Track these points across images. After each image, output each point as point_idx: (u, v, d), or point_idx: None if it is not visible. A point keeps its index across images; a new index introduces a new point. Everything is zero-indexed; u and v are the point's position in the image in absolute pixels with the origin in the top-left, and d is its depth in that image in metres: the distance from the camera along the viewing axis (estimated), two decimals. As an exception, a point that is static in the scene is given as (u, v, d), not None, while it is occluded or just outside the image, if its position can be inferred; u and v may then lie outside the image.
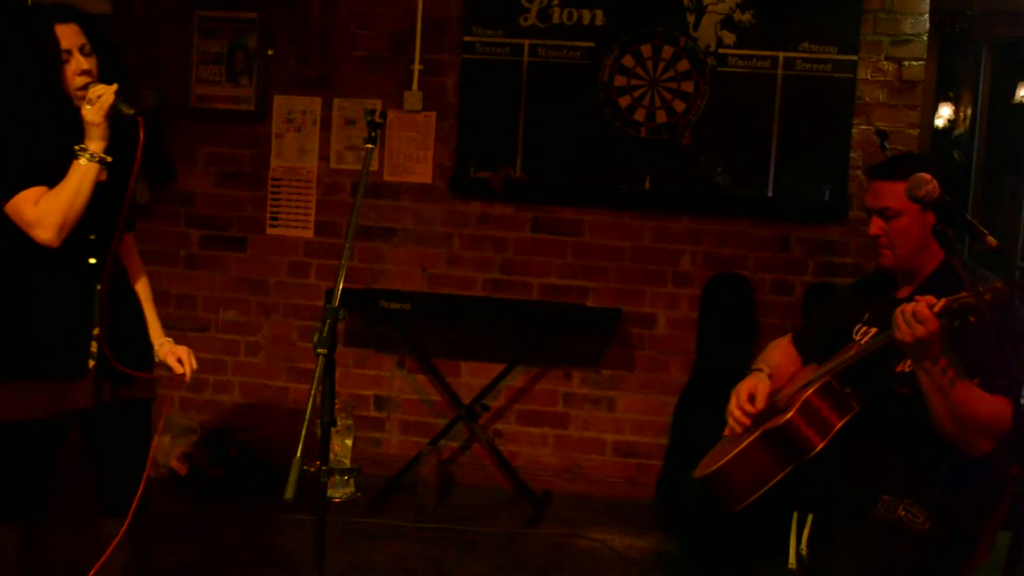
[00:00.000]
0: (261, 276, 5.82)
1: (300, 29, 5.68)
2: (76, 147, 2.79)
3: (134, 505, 2.97)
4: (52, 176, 2.80)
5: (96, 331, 2.90)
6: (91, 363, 2.90)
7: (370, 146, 2.84)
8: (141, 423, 3.14)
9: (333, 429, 2.71)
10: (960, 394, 2.73)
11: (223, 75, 5.68)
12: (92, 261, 2.91)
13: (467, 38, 5.56)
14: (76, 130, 2.82)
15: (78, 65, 2.85)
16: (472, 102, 5.58)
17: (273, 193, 5.77)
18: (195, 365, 3.16)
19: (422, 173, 5.64)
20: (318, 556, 2.79)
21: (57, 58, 2.83)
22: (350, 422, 5.46)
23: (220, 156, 5.76)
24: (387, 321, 5.51)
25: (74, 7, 2.93)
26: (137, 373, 3.00)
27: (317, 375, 2.48)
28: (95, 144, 2.80)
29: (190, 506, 5.07)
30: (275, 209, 5.77)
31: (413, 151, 5.64)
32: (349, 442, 5.43)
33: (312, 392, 2.46)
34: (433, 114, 5.61)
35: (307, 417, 2.41)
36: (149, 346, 3.16)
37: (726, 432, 3.20)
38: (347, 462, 5.37)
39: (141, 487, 2.99)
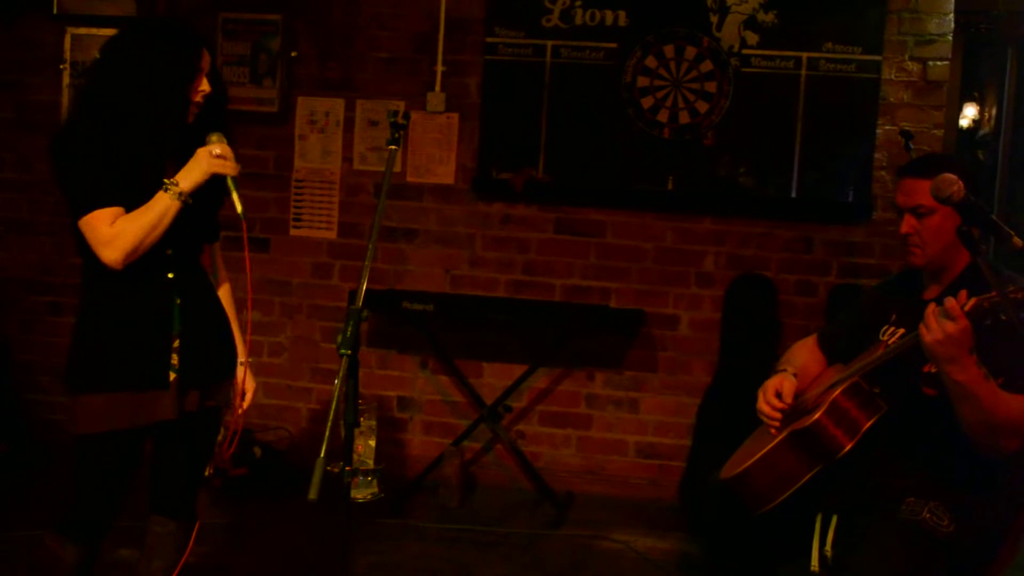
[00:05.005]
0: (284, 277, 5.84)
1: (323, 31, 5.70)
2: (166, 180, 2.81)
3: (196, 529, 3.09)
4: (132, 199, 2.82)
5: (176, 344, 2.93)
6: (172, 375, 2.93)
7: (393, 147, 2.84)
8: (209, 429, 3.19)
9: (356, 430, 2.71)
10: (992, 398, 2.71)
11: (247, 77, 5.70)
12: (170, 275, 2.94)
13: (490, 39, 5.56)
14: (178, 149, 2.87)
15: (200, 84, 2.92)
16: (495, 103, 5.58)
17: (296, 194, 5.79)
18: (248, 402, 3.26)
19: (445, 174, 5.65)
20: (342, 556, 2.79)
21: (196, 71, 2.90)
22: (373, 423, 5.47)
23: (243, 157, 5.66)
24: (410, 322, 5.52)
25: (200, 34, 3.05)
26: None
27: (340, 376, 2.48)
28: (187, 183, 2.82)
29: (213, 506, 5.09)
30: (298, 210, 5.79)
31: (436, 152, 5.64)
32: (372, 443, 5.44)
33: (335, 393, 2.46)
34: (456, 115, 5.62)
35: (330, 418, 2.41)
36: (233, 356, 3.20)
37: (772, 431, 3.17)
38: (370, 463, 5.38)
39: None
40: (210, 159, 2.84)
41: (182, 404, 2.97)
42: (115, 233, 2.78)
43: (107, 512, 3.01)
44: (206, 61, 2.93)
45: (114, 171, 2.81)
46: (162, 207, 2.80)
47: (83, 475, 2.97)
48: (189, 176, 2.83)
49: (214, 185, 2.97)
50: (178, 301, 2.94)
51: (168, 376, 2.92)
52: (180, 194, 2.81)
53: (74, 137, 2.85)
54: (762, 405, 3.19)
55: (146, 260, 2.85)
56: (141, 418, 2.90)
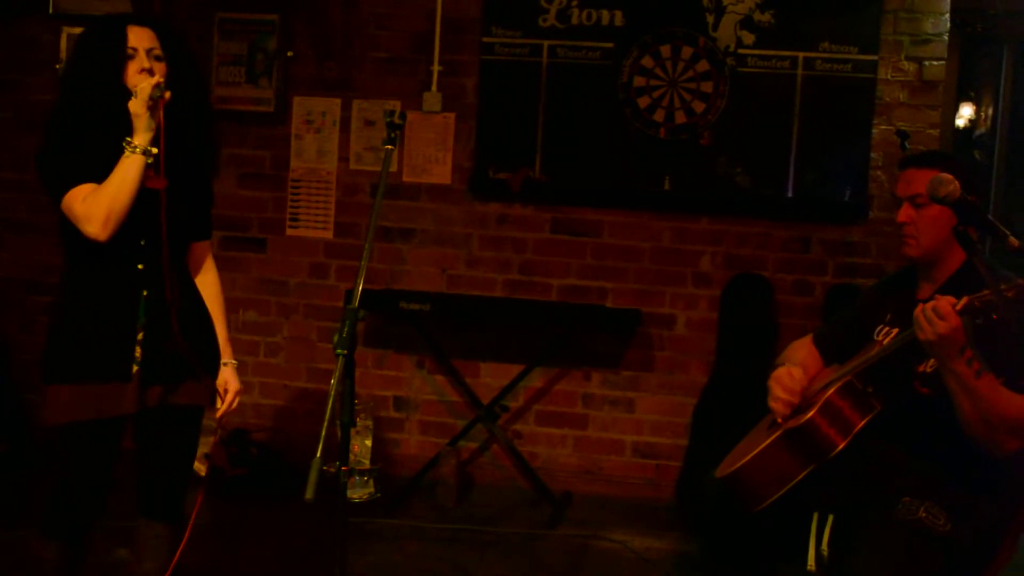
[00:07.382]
0: (281, 277, 5.83)
1: (320, 30, 5.70)
2: (125, 140, 2.82)
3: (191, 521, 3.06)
4: (102, 173, 2.83)
5: (140, 336, 2.92)
6: (135, 368, 2.91)
7: (389, 147, 2.83)
8: (187, 430, 3.14)
9: (353, 430, 2.71)
10: (990, 395, 2.72)
11: (243, 76, 5.70)
12: (140, 267, 2.93)
13: (486, 39, 5.56)
14: (129, 127, 2.85)
15: (140, 64, 2.90)
16: (491, 103, 5.58)
17: (293, 194, 5.79)
18: (233, 406, 3.21)
19: (441, 174, 5.65)
20: (339, 556, 2.79)
21: (122, 53, 2.89)
22: (369, 423, 5.47)
23: (240, 158, 5.77)
24: (406, 322, 5.52)
25: (154, 15, 3.03)
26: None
27: (337, 376, 2.49)
28: (140, 136, 2.81)
29: (210, 506, 5.08)
30: (295, 210, 5.79)
31: (432, 152, 5.64)
32: (369, 443, 5.44)
33: (332, 393, 2.46)
34: (452, 115, 5.62)
35: (327, 417, 2.41)
36: (213, 355, 3.16)
37: (778, 419, 3.15)
38: (367, 463, 5.38)
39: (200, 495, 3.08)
40: (132, 102, 2.81)
41: (145, 399, 2.94)
42: (88, 206, 2.80)
43: (85, 508, 3.00)
44: (141, 40, 2.91)
45: (81, 153, 2.86)
46: (124, 165, 2.81)
47: (57, 470, 2.97)
48: (135, 129, 2.82)
49: (190, 172, 3.00)
50: (145, 293, 2.92)
51: (130, 369, 2.91)
52: (136, 147, 2.81)
53: (43, 132, 2.92)
54: (777, 391, 3.17)
55: (117, 251, 2.86)
56: (104, 410, 2.88)
